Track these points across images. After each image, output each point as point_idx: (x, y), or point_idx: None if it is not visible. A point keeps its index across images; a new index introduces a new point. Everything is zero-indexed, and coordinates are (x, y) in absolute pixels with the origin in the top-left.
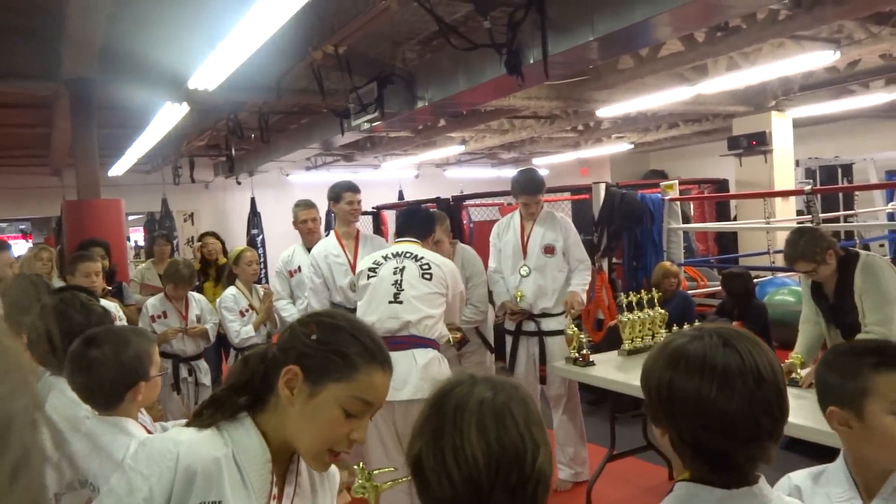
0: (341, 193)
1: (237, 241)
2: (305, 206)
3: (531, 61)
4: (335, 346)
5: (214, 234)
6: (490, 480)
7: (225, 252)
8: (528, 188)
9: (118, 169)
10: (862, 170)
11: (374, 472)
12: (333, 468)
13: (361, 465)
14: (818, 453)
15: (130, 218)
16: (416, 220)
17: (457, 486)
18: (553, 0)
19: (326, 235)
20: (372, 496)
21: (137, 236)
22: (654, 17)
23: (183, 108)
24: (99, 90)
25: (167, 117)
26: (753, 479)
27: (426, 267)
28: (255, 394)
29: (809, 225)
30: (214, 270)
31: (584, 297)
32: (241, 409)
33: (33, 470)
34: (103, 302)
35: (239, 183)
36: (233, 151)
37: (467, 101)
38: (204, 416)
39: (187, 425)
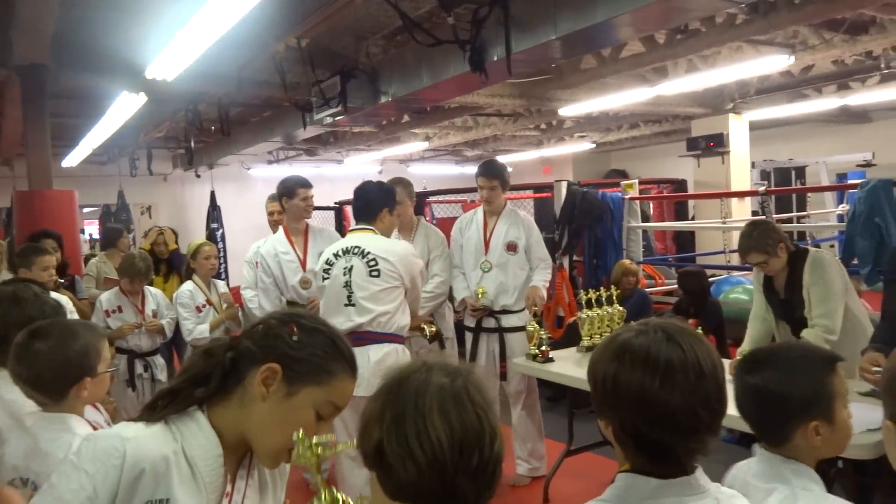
0: (295, 189)
1: (196, 234)
2: (271, 198)
3: (494, 59)
4: (316, 350)
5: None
6: (454, 462)
7: (176, 241)
8: (483, 171)
9: (72, 160)
10: (814, 172)
11: (315, 440)
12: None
13: (301, 433)
14: None
15: (85, 210)
16: (361, 203)
17: (422, 469)
18: None
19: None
20: (314, 464)
21: (92, 229)
22: (615, 17)
23: (140, 99)
24: (52, 78)
25: (124, 107)
26: (690, 469)
27: (373, 263)
28: (215, 386)
29: (763, 218)
30: (165, 266)
31: (545, 293)
32: (195, 402)
33: None
34: (55, 296)
35: (198, 176)
36: (192, 143)
37: (431, 98)
38: (157, 409)
39: (138, 418)
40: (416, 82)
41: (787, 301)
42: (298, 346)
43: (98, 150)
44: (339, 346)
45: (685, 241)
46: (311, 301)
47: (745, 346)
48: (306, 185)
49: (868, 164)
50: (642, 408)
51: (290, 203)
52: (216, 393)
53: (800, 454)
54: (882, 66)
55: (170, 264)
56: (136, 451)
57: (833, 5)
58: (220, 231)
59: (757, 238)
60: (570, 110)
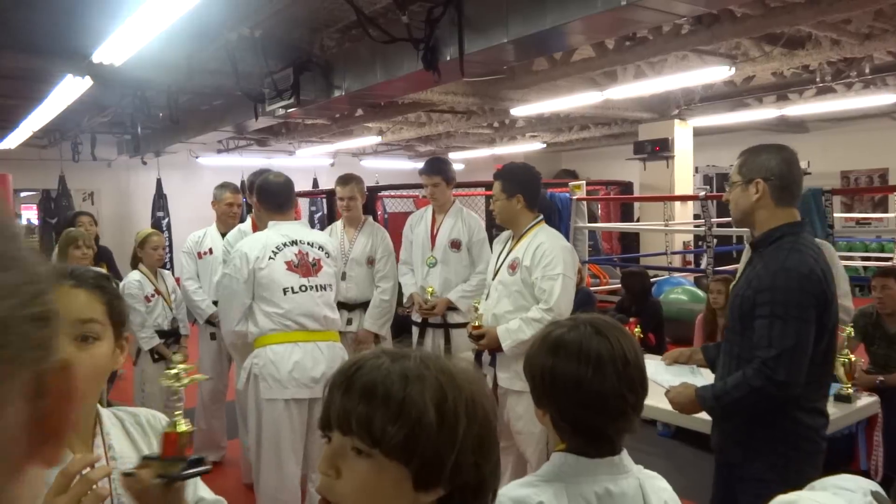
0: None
1: (140, 223)
2: (234, 189)
3: (447, 58)
4: None
5: (88, 214)
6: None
7: (98, 236)
8: (426, 168)
9: (10, 142)
10: None
11: (185, 367)
12: (154, 417)
13: (177, 357)
14: (700, 442)
15: (23, 194)
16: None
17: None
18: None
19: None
20: (180, 386)
21: (31, 214)
22: (564, 24)
23: (85, 83)
24: None
25: (67, 90)
26: (619, 449)
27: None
28: None
29: None
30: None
31: (462, 305)
32: None
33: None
34: None
35: (144, 163)
36: (139, 130)
37: (384, 93)
38: None
39: None
40: (370, 78)
41: None
42: None
43: (38, 133)
44: None
45: (630, 241)
46: None
47: None
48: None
49: (804, 173)
50: (578, 395)
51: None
52: None
53: None
54: (817, 79)
55: (97, 255)
56: None
57: (771, 20)
58: (167, 220)
59: None
60: (521, 110)
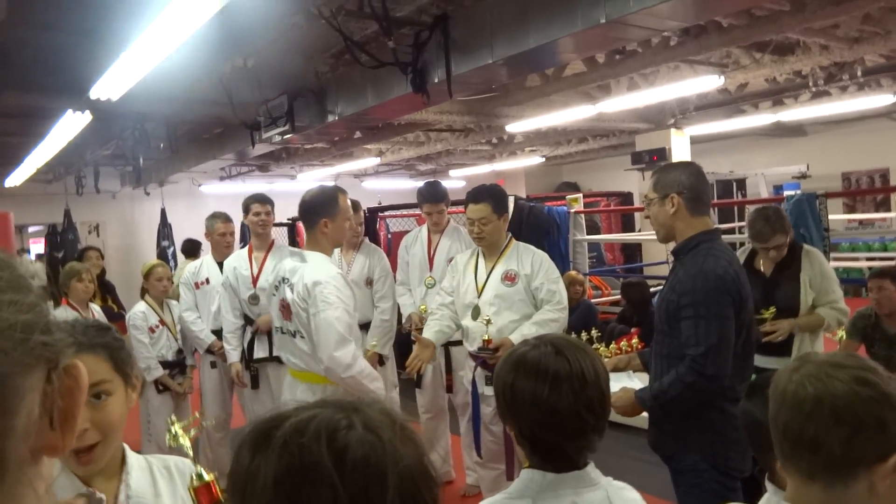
0: (249, 205)
1: (146, 252)
2: (225, 219)
3: (436, 80)
4: None
5: (96, 249)
6: None
7: (104, 270)
8: (429, 197)
9: (15, 179)
10: (754, 184)
11: (182, 423)
12: (183, 463)
13: (172, 417)
14: None
15: (31, 229)
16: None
17: None
18: (457, 22)
19: (242, 247)
20: (184, 443)
21: (38, 248)
22: (546, 43)
23: (85, 117)
24: None
25: (68, 126)
26: (583, 464)
27: None
28: None
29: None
30: (96, 288)
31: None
32: None
33: None
34: None
35: (147, 193)
36: (140, 161)
37: (378, 116)
38: None
39: None
40: (363, 101)
41: (772, 280)
42: None
43: (43, 169)
44: None
45: (632, 251)
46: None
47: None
48: (260, 200)
49: (803, 176)
50: (535, 413)
51: (246, 219)
52: None
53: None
54: (810, 83)
55: (100, 286)
56: None
57: (757, 29)
58: (172, 249)
59: (777, 221)
60: (517, 126)
